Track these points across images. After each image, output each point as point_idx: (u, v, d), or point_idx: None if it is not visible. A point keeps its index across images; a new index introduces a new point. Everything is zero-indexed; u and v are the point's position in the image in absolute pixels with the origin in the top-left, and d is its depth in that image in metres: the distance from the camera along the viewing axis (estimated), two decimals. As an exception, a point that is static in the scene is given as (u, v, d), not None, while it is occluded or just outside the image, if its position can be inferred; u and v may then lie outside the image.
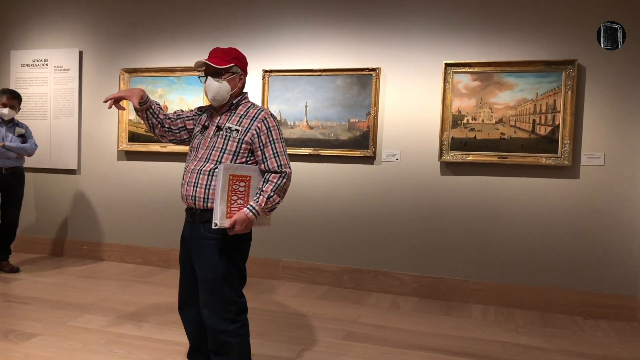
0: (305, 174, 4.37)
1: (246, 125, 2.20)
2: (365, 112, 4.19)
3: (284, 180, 2.17)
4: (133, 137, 4.83)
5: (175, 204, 4.47)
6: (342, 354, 2.90)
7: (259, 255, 4.46)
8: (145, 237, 4.85)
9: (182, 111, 2.45)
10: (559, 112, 3.75)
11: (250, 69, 4.45)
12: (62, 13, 5.07)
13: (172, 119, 2.39)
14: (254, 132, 2.18)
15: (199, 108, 2.44)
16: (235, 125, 2.21)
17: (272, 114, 2.25)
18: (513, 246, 3.91)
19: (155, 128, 2.38)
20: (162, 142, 4.73)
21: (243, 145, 2.19)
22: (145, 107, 2.32)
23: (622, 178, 3.69)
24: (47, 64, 5.12)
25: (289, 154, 4.25)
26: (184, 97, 4.64)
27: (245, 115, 2.23)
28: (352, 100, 4.22)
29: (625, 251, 3.68)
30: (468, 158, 3.94)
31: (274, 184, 2.15)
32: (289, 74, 4.37)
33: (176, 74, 4.68)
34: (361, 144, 4.20)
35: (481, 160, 3.91)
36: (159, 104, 2.40)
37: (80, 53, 5.01)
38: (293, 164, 4.31)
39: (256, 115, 2.22)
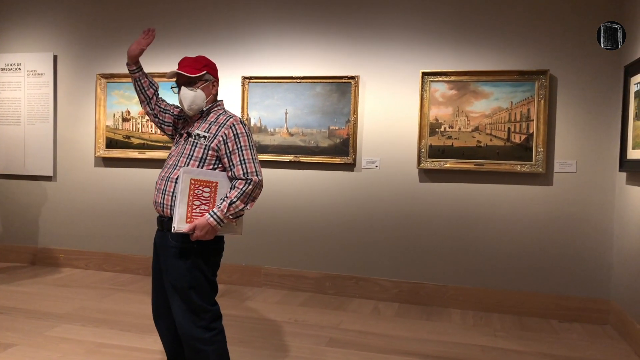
0: (285, 181, 4.39)
1: (214, 132, 2.18)
2: (344, 119, 4.24)
3: (250, 187, 2.12)
4: (110, 144, 4.77)
5: (154, 211, 4.42)
6: (325, 361, 2.92)
7: (241, 262, 4.45)
8: (124, 245, 4.78)
9: (171, 106, 2.46)
10: (533, 120, 3.86)
11: (229, 75, 4.49)
12: (36, 16, 4.98)
13: (163, 111, 2.43)
14: (221, 138, 2.16)
15: (180, 110, 2.44)
16: (204, 132, 2.20)
17: (242, 121, 2.22)
18: (490, 251, 4.00)
19: (142, 103, 2.45)
20: (140, 149, 4.69)
21: (210, 152, 2.17)
22: (136, 75, 2.39)
23: (593, 185, 3.82)
24: (20, 68, 5.01)
25: (270, 161, 4.35)
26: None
27: (215, 122, 2.22)
28: (331, 107, 4.27)
29: (597, 256, 3.81)
30: (445, 165, 4.02)
31: (239, 190, 2.11)
32: (268, 81, 4.39)
33: (154, 80, 4.63)
34: (341, 151, 4.24)
35: (458, 167, 4.00)
36: (153, 84, 2.43)
37: (55, 57, 4.93)
38: (273, 171, 4.37)
39: (225, 122, 2.20)
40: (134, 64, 2.37)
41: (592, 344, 3.36)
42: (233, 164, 2.14)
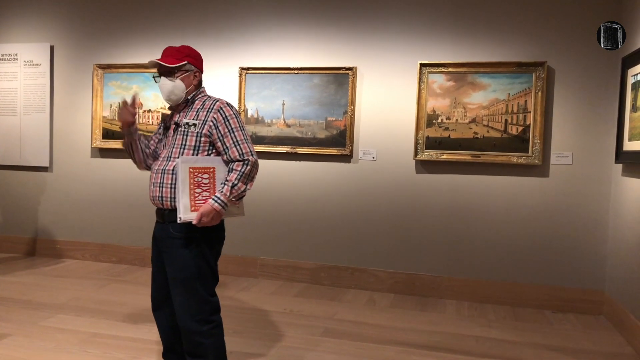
0: (282, 172, 4.38)
1: (203, 118, 2.18)
2: (342, 110, 4.22)
3: (248, 167, 2.14)
4: (107, 134, 4.76)
5: (150, 202, 4.41)
6: (319, 350, 2.93)
7: (237, 253, 4.45)
8: (120, 236, 4.79)
9: (150, 137, 2.44)
10: (530, 112, 3.85)
11: (227, 66, 4.47)
12: (33, 7, 4.95)
13: (148, 143, 2.39)
14: (211, 123, 2.16)
15: (163, 115, 2.44)
16: (193, 119, 2.20)
17: (228, 103, 2.22)
18: (485, 243, 4.00)
19: (141, 163, 2.38)
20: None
21: (202, 139, 2.17)
22: (135, 137, 2.31)
23: (589, 176, 3.82)
24: (16, 59, 4.99)
25: (267, 152, 4.34)
26: (159, 94, 4.59)
27: (202, 108, 2.21)
28: (329, 98, 4.25)
29: (591, 247, 3.81)
30: (442, 157, 4.02)
31: (238, 172, 2.12)
32: (266, 72, 4.37)
33: (151, 70, 4.62)
34: (338, 142, 4.23)
35: (455, 159, 3.99)
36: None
37: (52, 48, 4.91)
38: (270, 162, 4.36)
39: (212, 107, 2.19)
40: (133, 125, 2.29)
41: (585, 334, 3.37)
42: (227, 147, 2.15)
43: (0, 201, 5.12)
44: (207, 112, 2.19)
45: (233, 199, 2.13)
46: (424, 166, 4.10)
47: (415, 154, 4.04)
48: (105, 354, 2.78)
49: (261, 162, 4.37)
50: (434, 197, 4.08)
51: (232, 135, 2.15)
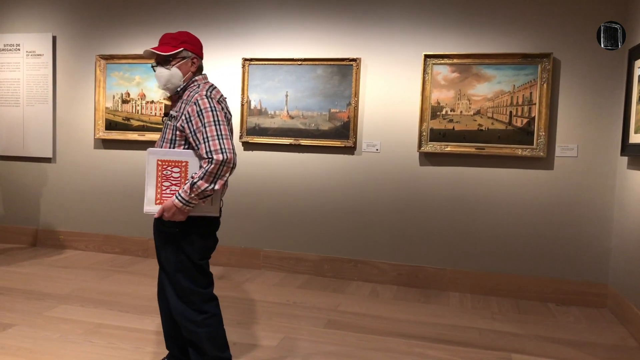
0: (285, 164, 4.37)
1: (182, 111, 2.08)
2: (345, 102, 4.20)
3: (212, 166, 1.96)
4: (110, 125, 4.75)
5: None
6: (322, 342, 2.93)
7: (240, 245, 4.46)
8: (123, 227, 4.79)
9: None
10: (535, 104, 3.82)
11: (229, 56, 4.45)
12: (35, -3, 4.93)
13: None
14: (184, 117, 2.04)
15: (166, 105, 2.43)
16: (175, 112, 2.12)
17: (209, 95, 2.07)
18: (489, 235, 3.99)
19: None
20: (140, 131, 4.67)
21: (177, 132, 2.08)
22: None
23: (594, 169, 3.80)
24: (19, 49, 4.98)
25: (270, 144, 4.32)
26: (162, 85, 4.57)
27: (185, 100, 2.11)
28: (332, 90, 4.23)
29: (595, 240, 3.80)
30: (446, 149, 4.00)
31: (202, 171, 1.98)
32: (269, 63, 4.34)
33: (152, 60, 4.59)
34: (342, 134, 4.22)
35: (459, 151, 3.97)
36: None
37: (54, 38, 4.89)
38: (273, 154, 4.35)
39: (190, 99, 2.07)
40: None
41: (589, 327, 3.37)
42: (198, 142, 2.01)
43: (4, 192, 5.13)
44: (187, 104, 2.08)
45: (195, 197, 2.01)
46: (427, 158, 4.09)
47: (419, 146, 4.03)
48: (109, 344, 2.79)
49: (264, 153, 4.38)
50: (437, 189, 4.07)
51: (204, 130, 1.99)
